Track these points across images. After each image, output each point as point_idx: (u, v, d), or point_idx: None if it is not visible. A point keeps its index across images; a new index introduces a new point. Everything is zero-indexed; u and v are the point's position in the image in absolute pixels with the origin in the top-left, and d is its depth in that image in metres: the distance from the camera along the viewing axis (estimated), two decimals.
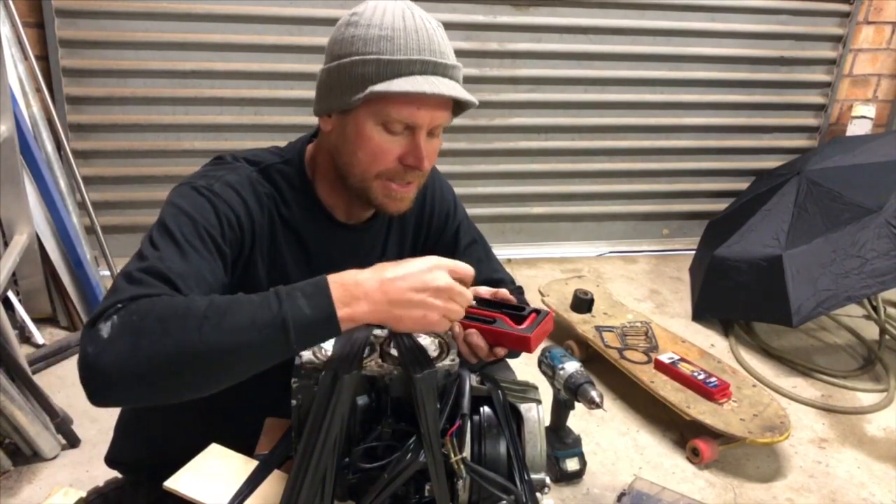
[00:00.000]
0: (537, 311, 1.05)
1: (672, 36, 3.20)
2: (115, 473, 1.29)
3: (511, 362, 1.28)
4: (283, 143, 1.18)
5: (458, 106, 1.06)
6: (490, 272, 1.29)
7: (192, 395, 0.83)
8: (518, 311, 1.06)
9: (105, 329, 0.80)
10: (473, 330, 1.01)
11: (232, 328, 0.80)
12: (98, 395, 0.81)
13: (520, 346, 1.01)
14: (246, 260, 1.05)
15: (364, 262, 1.19)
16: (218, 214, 1.00)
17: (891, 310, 2.84)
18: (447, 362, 0.92)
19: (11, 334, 1.87)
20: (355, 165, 1.04)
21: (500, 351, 1.02)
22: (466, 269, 0.91)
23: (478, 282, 1.15)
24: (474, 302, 1.08)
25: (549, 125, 3.23)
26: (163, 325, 0.79)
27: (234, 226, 1.01)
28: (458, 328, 1.03)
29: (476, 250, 1.30)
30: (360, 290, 0.85)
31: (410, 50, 0.98)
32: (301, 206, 1.11)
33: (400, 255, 1.24)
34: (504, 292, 1.08)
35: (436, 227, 1.26)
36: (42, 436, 1.87)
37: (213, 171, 1.07)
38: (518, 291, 1.32)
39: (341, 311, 0.84)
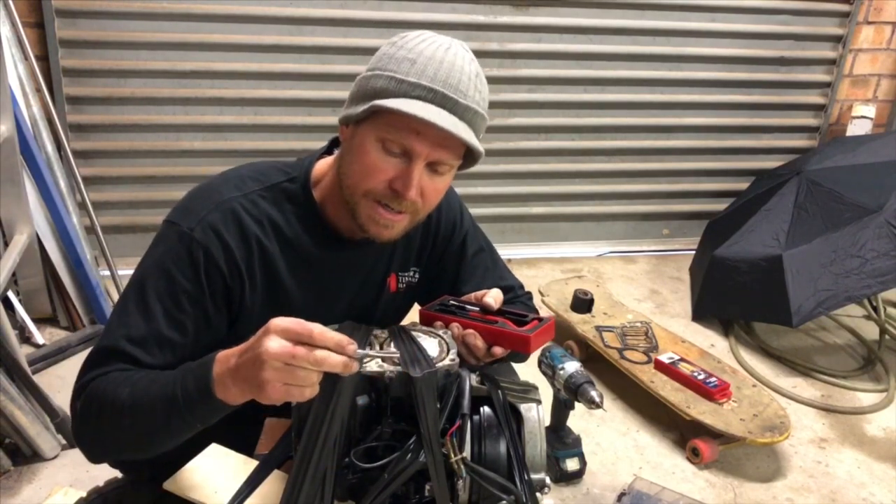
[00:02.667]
0: (539, 319, 1.05)
1: (672, 36, 3.20)
2: (115, 473, 1.29)
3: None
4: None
5: (469, 156, 1.04)
6: (497, 280, 1.28)
7: (148, 457, 0.95)
8: (521, 317, 1.06)
9: (78, 406, 0.98)
10: (471, 330, 1.02)
11: (143, 416, 0.91)
12: (89, 458, 1.01)
13: (519, 346, 1.01)
14: (238, 296, 1.06)
15: (369, 277, 1.19)
16: (195, 266, 1.01)
17: (891, 310, 2.84)
18: (447, 362, 0.92)
19: (11, 334, 1.87)
20: (349, 176, 1.03)
21: (498, 350, 1.02)
22: (301, 328, 0.79)
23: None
24: (476, 308, 1.09)
25: (549, 125, 3.23)
26: (102, 415, 0.94)
27: (212, 274, 1.02)
28: (456, 329, 1.03)
29: (483, 259, 1.29)
30: (227, 366, 0.85)
31: (425, 76, 0.96)
32: (304, 224, 1.10)
33: (405, 267, 1.24)
34: (495, 291, 1.09)
35: (442, 237, 1.25)
36: (42, 436, 1.87)
37: (200, 204, 1.05)
38: (527, 297, 1.32)
39: (218, 392, 0.85)
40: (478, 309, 1.08)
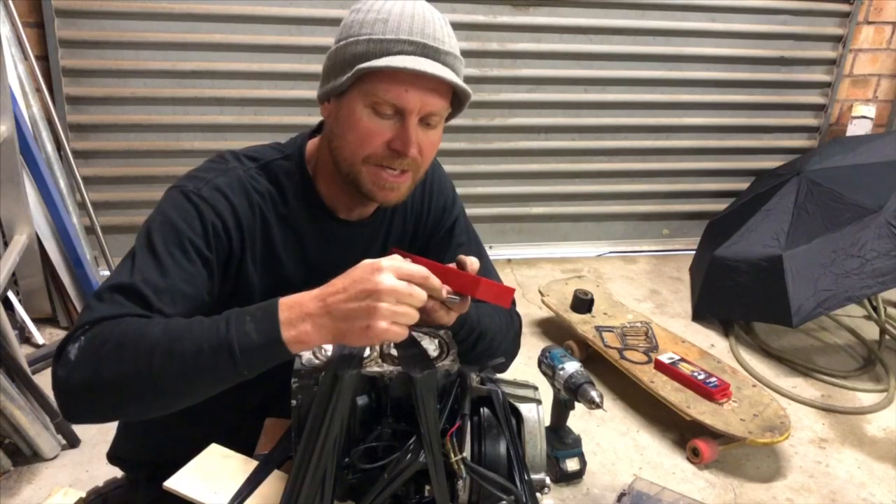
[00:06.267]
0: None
1: (672, 36, 3.20)
2: (115, 473, 1.29)
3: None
4: (284, 141, 1.18)
5: (457, 101, 1.04)
6: (483, 273, 1.27)
7: (155, 415, 0.88)
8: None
9: (73, 351, 0.86)
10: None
11: (182, 354, 0.83)
12: (69, 413, 0.89)
13: (467, 288, 0.95)
14: (238, 263, 1.05)
15: (363, 258, 1.18)
16: (203, 221, 1.00)
17: (891, 310, 2.84)
18: (447, 362, 0.92)
19: (11, 334, 1.87)
20: (344, 148, 1.03)
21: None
22: (414, 270, 0.84)
23: None
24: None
25: (549, 125, 3.23)
26: (120, 352, 0.84)
27: (219, 232, 1.01)
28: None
29: (469, 251, 1.28)
30: (303, 310, 0.83)
31: (402, 31, 0.97)
32: (300, 201, 1.10)
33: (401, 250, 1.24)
34: (472, 260, 1.02)
35: (433, 220, 1.25)
36: (42, 436, 1.87)
37: (205, 172, 1.06)
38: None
39: (287, 334, 0.82)
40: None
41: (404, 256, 0.98)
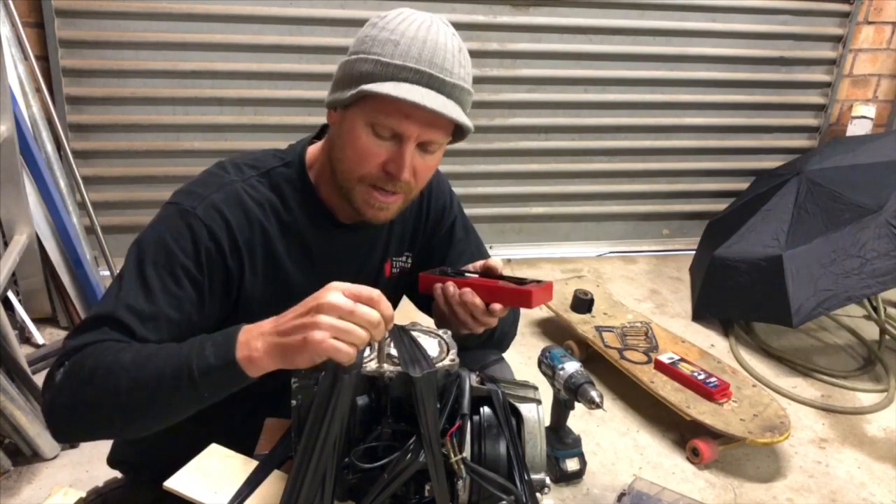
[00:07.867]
0: (538, 282, 1.04)
1: (672, 36, 3.20)
2: (114, 473, 1.29)
3: (511, 362, 1.28)
4: (283, 144, 1.18)
5: (459, 131, 1.04)
6: None
7: (136, 435, 0.92)
8: (520, 280, 1.05)
9: (58, 376, 0.91)
10: (468, 289, 0.99)
11: (146, 379, 0.86)
12: (56, 433, 0.94)
13: (520, 301, 0.99)
14: (238, 281, 1.06)
15: (366, 261, 1.19)
16: (196, 244, 1.00)
17: (891, 310, 2.84)
18: (447, 362, 0.92)
19: (11, 334, 1.87)
20: (342, 162, 1.03)
21: (497, 307, 1.00)
22: (363, 290, 0.83)
23: None
24: (476, 275, 1.07)
25: (549, 125, 3.23)
26: (93, 378, 0.88)
27: (212, 254, 1.02)
28: (452, 288, 1.02)
29: (468, 247, 1.30)
30: (259, 330, 0.85)
31: (410, 58, 0.96)
32: (302, 208, 1.11)
33: (399, 252, 1.24)
34: (495, 261, 1.07)
35: (433, 221, 1.26)
36: (42, 436, 1.87)
37: (202, 187, 1.06)
38: None
39: (240, 354, 0.84)
40: (476, 276, 1.07)
41: (445, 280, 1.03)
